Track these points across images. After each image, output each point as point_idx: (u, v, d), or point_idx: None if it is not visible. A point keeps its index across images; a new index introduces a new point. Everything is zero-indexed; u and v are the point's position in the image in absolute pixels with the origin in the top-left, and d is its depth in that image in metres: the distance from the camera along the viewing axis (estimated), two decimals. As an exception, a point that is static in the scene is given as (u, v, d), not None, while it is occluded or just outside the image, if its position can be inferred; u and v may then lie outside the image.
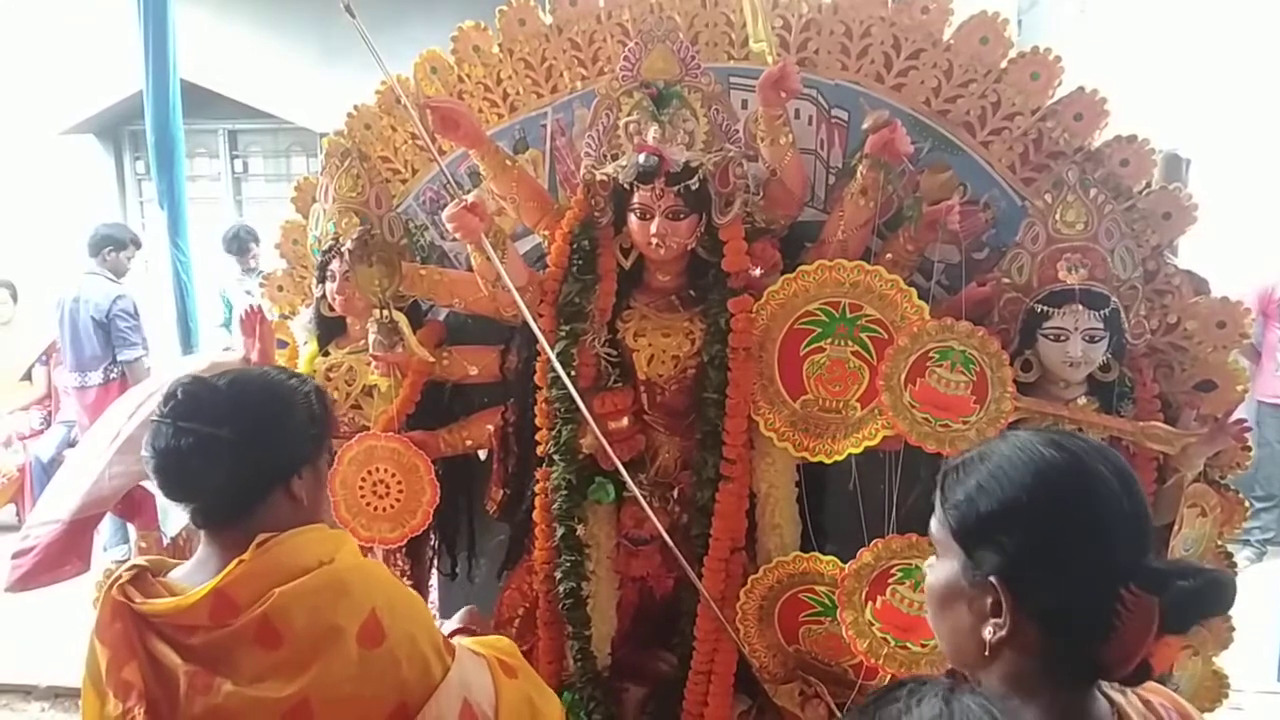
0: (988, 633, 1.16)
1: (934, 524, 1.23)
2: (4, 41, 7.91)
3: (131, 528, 3.99)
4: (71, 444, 6.75)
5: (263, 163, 8.44)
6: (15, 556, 2.58)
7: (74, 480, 2.60)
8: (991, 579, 1.15)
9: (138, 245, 5.99)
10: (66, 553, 2.55)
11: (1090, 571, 1.12)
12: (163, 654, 1.46)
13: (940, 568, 1.21)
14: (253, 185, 8.40)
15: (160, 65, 4.47)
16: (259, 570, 1.48)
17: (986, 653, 1.16)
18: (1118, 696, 1.21)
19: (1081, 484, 1.15)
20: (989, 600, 1.15)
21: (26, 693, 4.61)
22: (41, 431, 6.86)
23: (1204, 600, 1.11)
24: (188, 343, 4.62)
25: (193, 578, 1.53)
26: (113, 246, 5.87)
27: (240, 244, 6.71)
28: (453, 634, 1.92)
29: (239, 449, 1.51)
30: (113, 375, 5.85)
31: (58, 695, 4.56)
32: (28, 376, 6.99)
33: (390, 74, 2.51)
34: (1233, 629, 2.48)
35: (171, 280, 4.63)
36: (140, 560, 1.57)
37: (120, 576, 1.53)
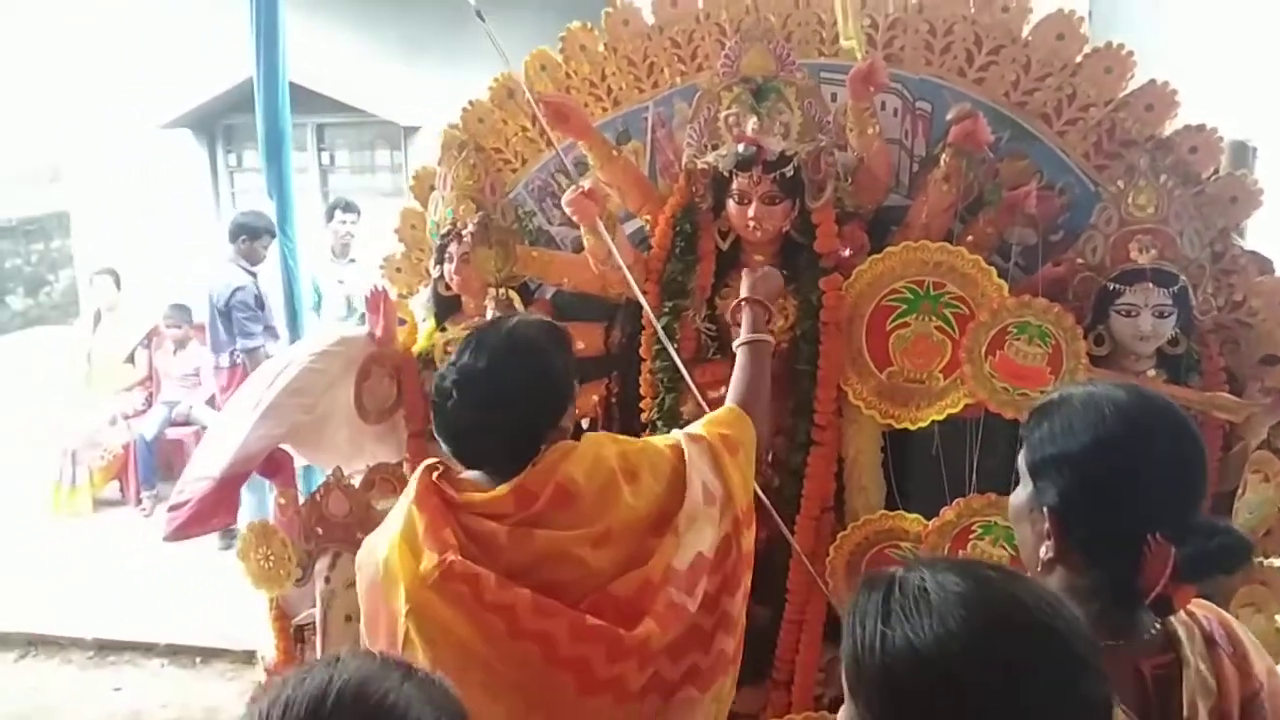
0: (1042, 551, 1.38)
1: (1020, 455, 1.45)
2: (113, 38, 8.30)
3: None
4: (173, 423, 7.14)
5: (348, 155, 8.75)
6: (171, 509, 2.86)
7: (223, 442, 2.87)
8: (1045, 509, 1.37)
9: (272, 234, 6.25)
10: (217, 507, 2.82)
11: (1125, 518, 1.33)
12: (477, 523, 1.79)
13: (1020, 491, 1.44)
14: (339, 177, 8.71)
15: (270, 61, 4.72)
16: (545, 467, 1.83)
17: (1039, 568, 1.39)
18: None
19: (1132, 443, 1.36)
20: (1045, 526, 1.37)
21: (147, 649, 4.95)
22: (144, 411, 7.25)
23: (1216, 557, 1.31)
24: (294, 324, 4.89)
25: (473, 475, 1.90)
26: (246, 235, 6.13)
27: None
28: (734, 308, 2.42)
29: (518, 413, 1.85)
30: (237, 360, 6.13)
31: (175, 652, 4.90)
32: (130, 359, 7.37)
33: (510, 68, 2.75)
34: (1295, 588, 2.63)
35: (280, 266, 4.90)
36: (433, 461, 1.90)
37: (431, 468, 1.87)
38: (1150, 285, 2.46)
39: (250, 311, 6.07)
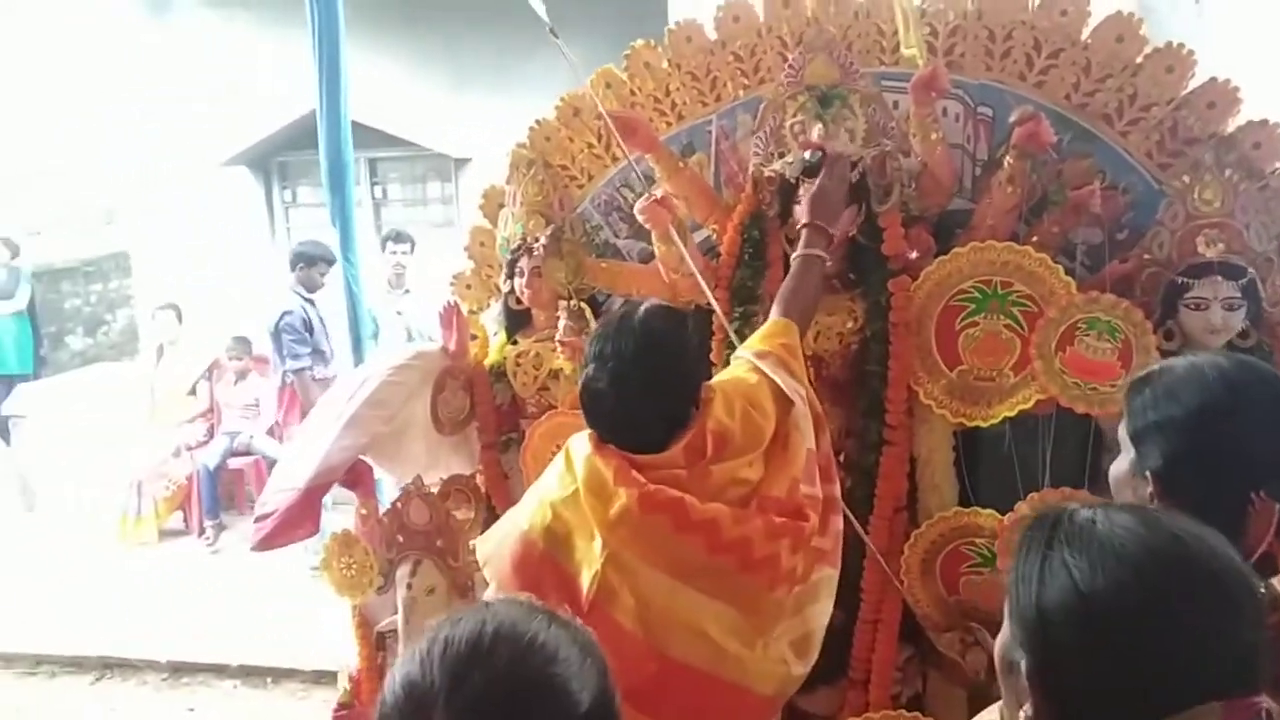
0: None
1: (1120, 425, 1.49)
2: (165, 80, 8.53)
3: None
4: (234, 453, 7.28)
5: (400, 188, 8.90)
6: (257, 520, 2.94)
7: (306, 453, 2.94)
8: (1148, 473, 1.41)
9: (329, 262, 6.42)
10: (301, 517, 2.90)
11: (1228, 478, 1.37)
12: (658, 473, 1.99)
13: (1120, 459, 1.47)
14: (391, 210, 8.86)
15: (333, 96, 4.86)
16: (698, 428, 2.03)
17: None
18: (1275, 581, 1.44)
19: (1235, 405, 1.40)
20: (1148, 490, 1.41)
21: (219, 670, 5.04)
22: (206, 442, 7.39)
23: None
24: (358, 349, 5.00)
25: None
26: (304, 263, 6.39)
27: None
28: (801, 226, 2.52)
29: (666, 401, 2.06)
30: (287, 380, 6.34)
31: (248, 673, 4.99)
32: (193, 391, 7.53)
33: (571, 91, 2.83)
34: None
35: (344, 292, 5.02)
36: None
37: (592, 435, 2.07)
38: (1219, 278, 2.48)
39: (296, 334, 6.29)
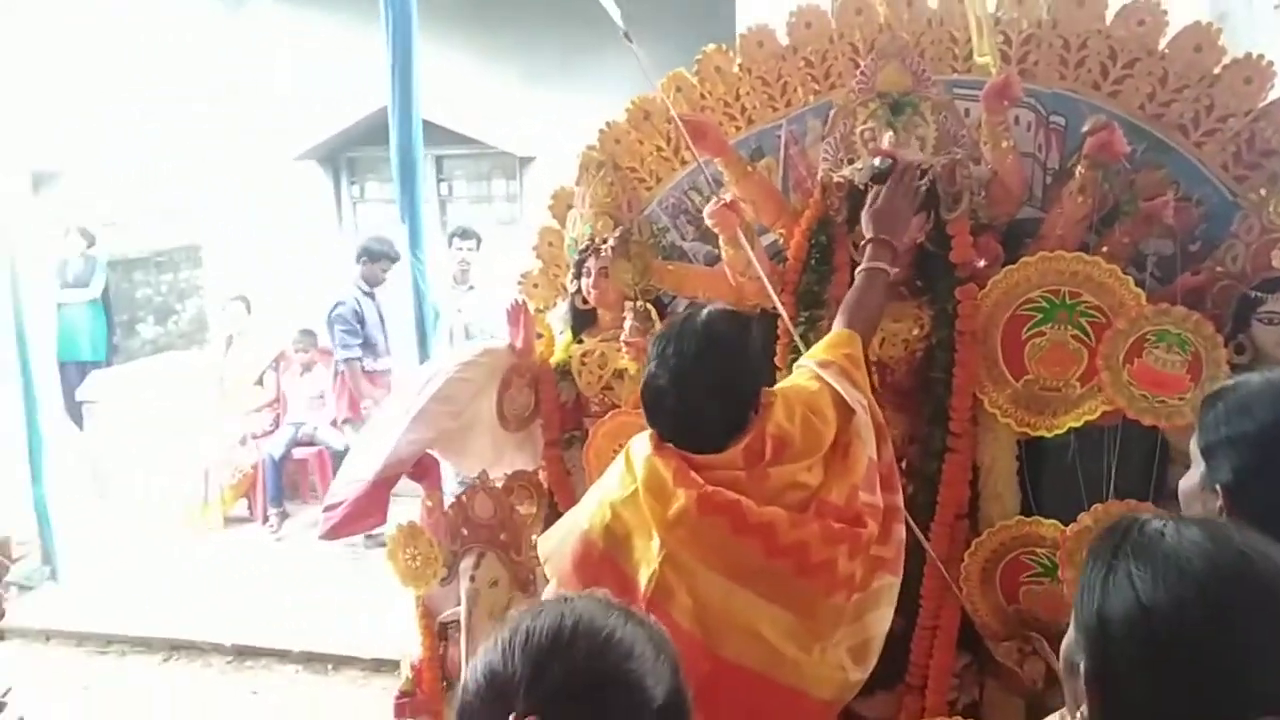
0: None
1: (1191, 438, 1.49)
2: (250, 73, 8.73)
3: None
4: (298, 443, 7.42)
5: (466, 186, 9.02)
6: (326, 510, 3.01)
7: (375, 446, 3.01)
8: (1218, 486, 1.41)
9: (392, 259, 6.57)
10: (370, 507, 2.96)
11: None
12: (716, 475, 2.01)
13: (1191, 473, 1.48)
14: (457, 207, 8.97)
15: (405, 94, 4.95)
16: (758, 431, 2.04)
17: None
18: None
19: None
20: (1218, 504, 1.42)
21: (282, 656, 5.15)
22: (271, 432, 7.53)
23: None
24: (424, 342, 5.09)
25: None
26: (367, 258, 6.62)
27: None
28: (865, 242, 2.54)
29: (728, 400, 2.07)
30: (339, 369, 6.59)
31: (309, 659, 5.09)
32: (260, 381, 7.68)
33: (655, 90, 2.87)
34: None
35: (411, 288, 5.11)
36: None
37: (651, 433, 2.10)
38: (1292, 293, 2.46)
39: (347, 325, 6.52)
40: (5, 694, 2.44)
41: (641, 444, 2.10)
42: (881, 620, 2.13)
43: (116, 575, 6.26)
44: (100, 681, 5.12)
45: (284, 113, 8.62)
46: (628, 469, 2.10)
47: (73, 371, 8.59)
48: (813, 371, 2.22)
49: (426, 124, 8.06)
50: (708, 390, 2.03)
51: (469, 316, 6.91)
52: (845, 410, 2.16)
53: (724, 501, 1.95)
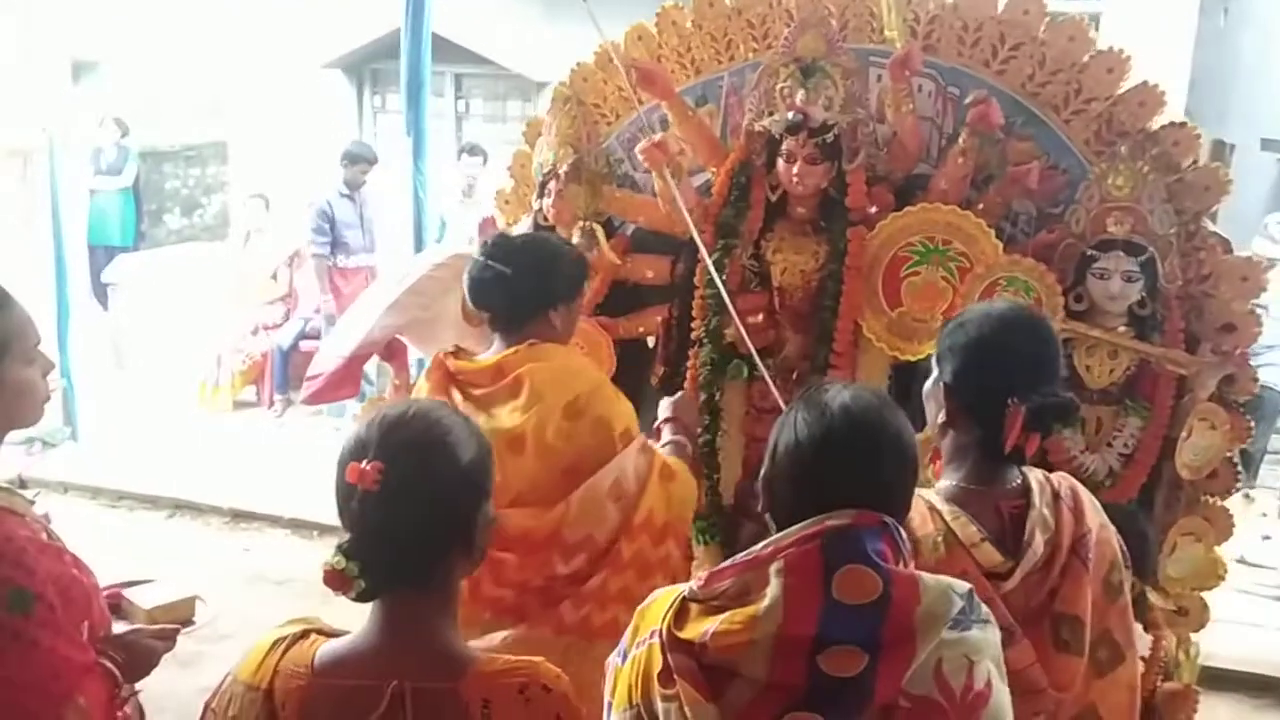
0: (940, 416, 1.91)
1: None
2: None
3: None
4: (305, 336, 7.93)
5: (482, 105, 9.44)
6: (307, 379, 3.54)
7: (353, 327, 3.52)
8: (942, 384, 1.90)
9: (370, 162, 7.07)
10: (344, 380, 3.48)
11: (991, 389, 1.84)
12: (456, 399, 2.39)
13: (932, 376, 1.96)
14: (472, 124, 9.40)
15: (417, 14, 5.36)
16: (524, 355, 2.41)
17: (938, 430, 1.92)
18: (1028, 472, 1.93)
19: (1000, 336, 1.88)
20: (943, 396, 1.90)
21: (273, 520, 5.74)
22: (281, 324, 7.99)
23: (1050, 412, 1.83)
24: (419, 247, 5.57)
25: (484, 356, 2.50)
26: (348, 160, 7.16)
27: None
28: (660, 422, 2.80)
29: (517, 282, 2.45)
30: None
31: (298, 525, 5.67)
32: (274, 276, 8.15)
33: (607, 40, 3.31)
34: (1232, 523, 3.08)
35: (410, 196, 5.59)
36: (460, 344, 2.58)
37: (448, 349, 2.52)
38: (1121, 254, 2.91)
39: (316, 224, 7.22)
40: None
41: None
42: None
43: (130, 440, 6.87)
44: (110, 532, 5.70)
45: (313, 21, 9.02)
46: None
47: (101, 254, 9.13)
48: (633, 430, 2.54)
49: (449, 43, 8.51)
50: (499, 273, 2.46)
51: (473, 229, 7.36)
52: (602, 462, 2.42)
53: None
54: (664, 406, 2.86)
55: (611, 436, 2.46)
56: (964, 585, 1.54)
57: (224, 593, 3.04)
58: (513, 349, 2.45)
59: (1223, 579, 3.12)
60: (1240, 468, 3.11)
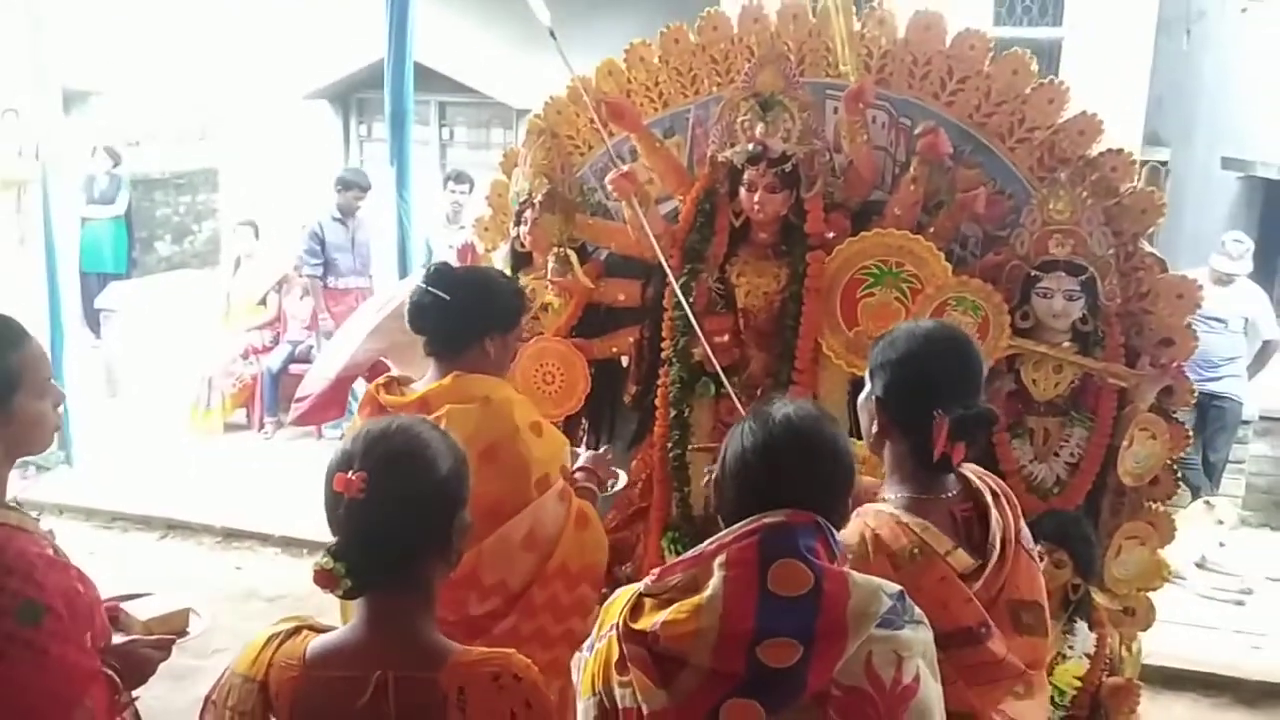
0: (874, 428, 2.08)
1: None
2: (263, 14, 9.31)
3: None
4: (294, 359, 8.09)
5: (466, 132, 9.64)
6: (296, 401, 3.70)
7: (338, 351, 3.69)
8: (875, 398, 2.07)
9: (363, 189, 7.27)
10: (330, 402, 3.64)
11: (918, 402, 2.00)
12: None
13: (865, 390, 2.13)
14: (457, 151, 9.60)
15: (400, 45, 5.56)
16: (448, 391, 2.54)
17: (872, 442, 2.09)
18: (967, 475, 2.09)
19: (925, 352, 2.05)
20: (874, 408, 2.07)
21: (264, 539, 5.88)
22: (271, 348, 8.13)
23: (972, 422, 2.00)
24: (404, 271, 5.74)
25: (418, 387, 2.61)
26: (342, 186, 7.40)
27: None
28: (575, 470, 2.92)
29: (455, 309, 2.57)
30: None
31: (288, 543, 5.81)
32: (263, 301, 8.30)
33: (576, 76, 3.49)
34: (1174, 527, 3.25)
35: (395, 223, 5.77)
36: (395, 373, 2.64)
37: (380, 381, 2.62)
38: (1063, 274, 3.09)
39: (308, 245, 7.47)
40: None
41: None
42: None
43: (123, 463, 7.01)
44: (104, 552, 5.82)
45: (300, 52, 9.22)
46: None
47: (93, 282, 9.27)
48: (556, 477, 2.65)
49: (433, 73, 8.72)
50: (438, 299, 2.60)
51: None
52: (517, 508, 2.53)
53: None
54: (583, 458, 3.02)
55: (527, 484, 2.56)
56: (894, 587, 1.71)
57: (217, 609, 3.19)
58: (438, 382, 2.56)
59: (1167, 580, 3.29)
60: (1205, 476, 3.28)
